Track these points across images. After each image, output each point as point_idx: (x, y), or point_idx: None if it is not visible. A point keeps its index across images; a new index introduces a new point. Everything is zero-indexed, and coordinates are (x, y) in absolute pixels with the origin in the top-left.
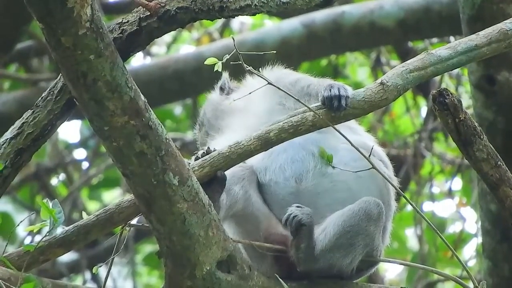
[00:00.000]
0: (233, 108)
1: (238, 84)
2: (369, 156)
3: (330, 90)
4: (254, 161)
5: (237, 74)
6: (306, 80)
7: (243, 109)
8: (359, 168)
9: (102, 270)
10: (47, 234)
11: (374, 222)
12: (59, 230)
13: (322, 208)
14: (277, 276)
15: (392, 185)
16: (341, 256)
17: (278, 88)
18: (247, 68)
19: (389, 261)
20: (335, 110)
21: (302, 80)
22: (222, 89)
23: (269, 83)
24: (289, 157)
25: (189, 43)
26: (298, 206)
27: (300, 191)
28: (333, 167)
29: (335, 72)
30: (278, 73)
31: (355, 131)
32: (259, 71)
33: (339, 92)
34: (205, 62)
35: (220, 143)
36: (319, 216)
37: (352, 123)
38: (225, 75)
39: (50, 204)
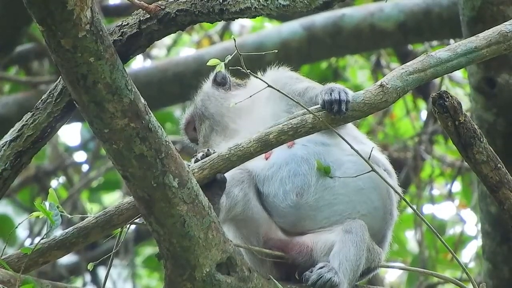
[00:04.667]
0: (239, 109)
1: (239, 81)
2: (369, 158)
3: (330, 94)
4: (253, 168)
5: (238, 75)
6: (314, 90)
7: (249, 112)
8: (363, 180)
9: (102, 272)
10: (45, 236)
11: (366, 243)
12: (58, 232)
13: (320, 220)
14: (272, 277)
15: (393, 188)
16: (353, 283)
17: (280, 92)
18: (247, 71)
19: (388, 267)
20: (335, 114)
21: (310, 90)
22: (219, 83)
23: (269, 86)
24: (291, 170)
25: (189, 46)
26: (322, 267)
27: (301, 205)
28: (331, 177)
29: (335, 75)
30: (283, 76)
31: (359, 140)
32: (259, 73)
33: (339, 97)
34: (208, 63)
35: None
36: (317, 227)
37: (356, 132)
38: (222, 68)
39: (48, 206)
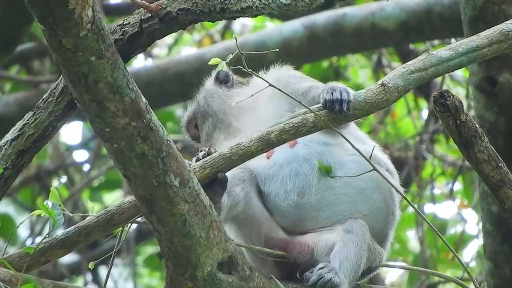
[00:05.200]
0: (242, 108)
1: (242, 79)
2: (370, 157)
3: (332, 93)
4: (255, 167)
5: (240, 74)
6: (317, 89)
7: (252, 111)
8: (365, 180)
9: (103, 271)
10: (47, 236)
11: (367, 243)
12: (60, 231)
13: (322, 220)
14: (273, 277)
15: (394, 187)
16: (354, 283)
17: (282, 91)
18: (249, 70)
19: (389, 266)
20: (336, 114)
21: (312, 89)
22: (221, 81)
23: (270, 85)
24: (293, 170)
25: (190, 45)
26: (322, 268)
27: (302, 204)
28: (332, 177)
29: (337, 74)
30: (286, 75)
31: (361, 140)
32: (262, 72)
33: (341, 96)
34: (209, 62)
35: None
36: (318, 226)
37: (358, 132)
38: (224, 67)
39: (50, 205)
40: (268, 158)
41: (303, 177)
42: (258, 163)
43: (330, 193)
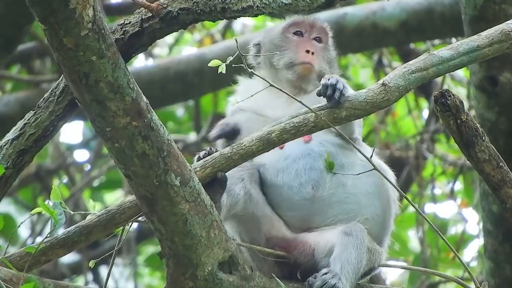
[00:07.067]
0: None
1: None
2: (371, 157)
3: (328, 79)
4: (266, 160)
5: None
6: None
7: (275, 104)
8: (370, 184)
9: (104, 271)
10: (48, 235)
11: (366, 245)
12: (61, 231)
13: (330, 218)
14: (274, 276)
15: (394, 186)
16: (355, 284)
17: (281, 90)
18: (250, 70)
19: (390, 266)
20: (327, 99)
21: None
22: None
23: (271, 85)
24: (307, 164)
25: (191, 45)
26: (326, 273)
27: (316, 198)
28: (334, 173)
29: None
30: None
31: (365, 150)
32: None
33: (336, 83)
34: (209, 64)
35: None
36: (323, 224)
37: (364, 145)
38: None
39: (51, 205)
40: (281, 149)
41: (318, 172)
42: (269, 155)
43: (341, 190)
